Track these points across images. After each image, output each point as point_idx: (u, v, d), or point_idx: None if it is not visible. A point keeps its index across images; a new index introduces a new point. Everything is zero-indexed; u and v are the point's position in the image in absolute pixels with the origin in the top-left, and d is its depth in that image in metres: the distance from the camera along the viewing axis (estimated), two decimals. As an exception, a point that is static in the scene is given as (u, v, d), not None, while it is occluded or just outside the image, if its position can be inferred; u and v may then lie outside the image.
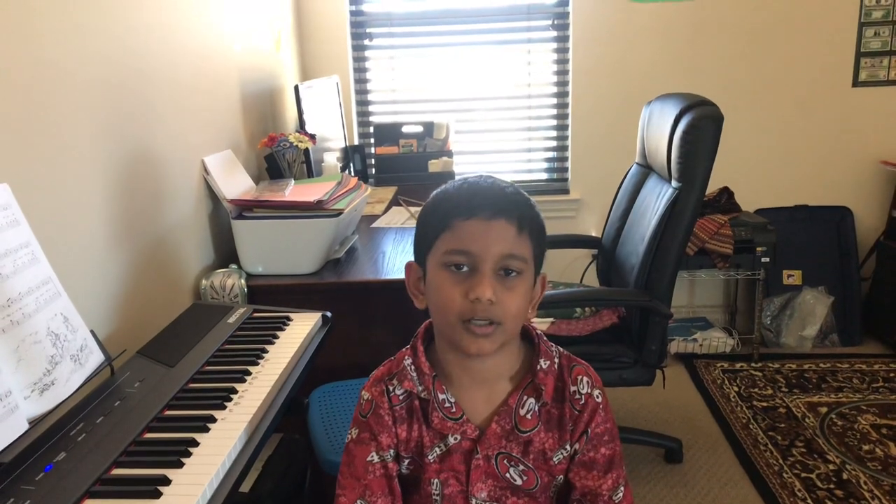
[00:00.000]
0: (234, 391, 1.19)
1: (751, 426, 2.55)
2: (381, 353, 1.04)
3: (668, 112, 2.08)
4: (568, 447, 0.98)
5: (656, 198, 2.11)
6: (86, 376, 1.14)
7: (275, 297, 1.86)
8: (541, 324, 2.12)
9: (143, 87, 1.66)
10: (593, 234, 3.11)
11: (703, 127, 1.93)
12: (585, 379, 0.98)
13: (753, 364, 3.05)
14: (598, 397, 0.98)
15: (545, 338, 1.01)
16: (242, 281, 1.86)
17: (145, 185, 1.65)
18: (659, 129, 2.14)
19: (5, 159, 1.17)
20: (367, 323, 1.90)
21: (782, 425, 2.55)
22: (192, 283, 1.89)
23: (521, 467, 0.98)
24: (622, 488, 1.00)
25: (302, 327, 1.47)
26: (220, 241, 2.09)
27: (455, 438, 0.97)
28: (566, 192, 3.37)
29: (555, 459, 0.98)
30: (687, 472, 2.31)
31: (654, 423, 2.59)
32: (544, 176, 3.44)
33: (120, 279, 1.51)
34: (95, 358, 1.18)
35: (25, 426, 0.98)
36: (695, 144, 1.93)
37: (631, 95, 3.08)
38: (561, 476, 1.00)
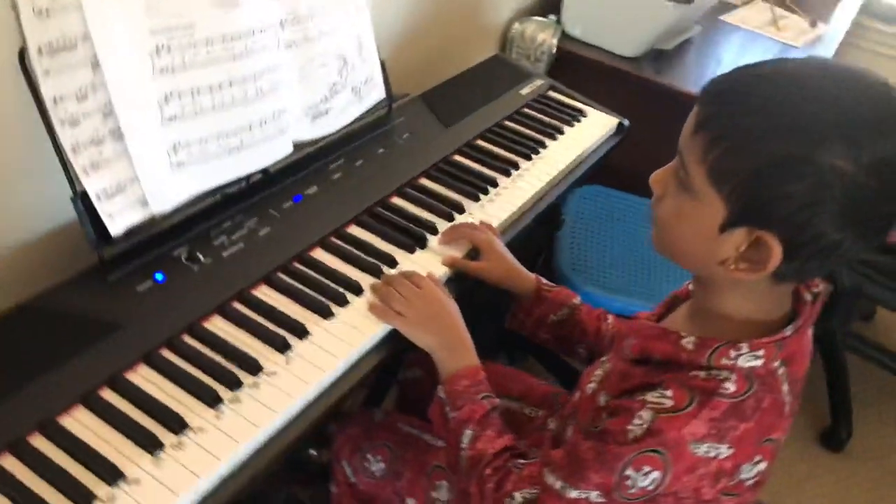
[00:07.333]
0: (495, 183, 1.09)
1: None
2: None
3: None
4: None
5: None
6: (362, 111, 1.08)
7: (580, 72, 1.66)
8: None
9: None
10: None
11: None
12: (669, 402, 0.65)
13: None
14: (640, 418, 0.65)
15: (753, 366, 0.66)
16: (555, 40, 1.66)
17: None
18: None
19: None
20: (658, 137, 1.65)
21: None
22: (502, 25, 1.72)
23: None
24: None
25: (593, 130, 1.29)
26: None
27: None
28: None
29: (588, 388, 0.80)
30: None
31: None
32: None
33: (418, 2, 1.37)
34: (377, 94, 1.11)
35: (290, 149, 0.97)
36: None
37: None
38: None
